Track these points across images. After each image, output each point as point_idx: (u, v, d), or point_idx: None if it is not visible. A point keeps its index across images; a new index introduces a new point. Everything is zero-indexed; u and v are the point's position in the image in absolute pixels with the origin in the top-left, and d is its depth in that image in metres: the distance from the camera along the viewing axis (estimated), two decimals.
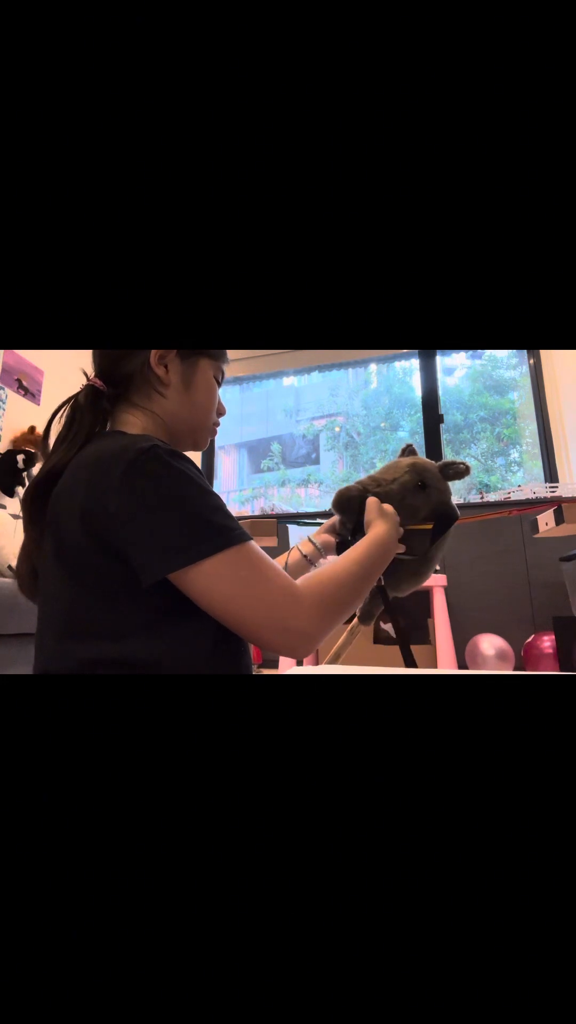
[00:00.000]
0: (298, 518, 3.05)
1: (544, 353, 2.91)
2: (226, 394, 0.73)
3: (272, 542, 1.52)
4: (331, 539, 0.83)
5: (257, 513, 3.39)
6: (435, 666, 2.25)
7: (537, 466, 2.91)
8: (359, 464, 3.54)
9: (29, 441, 2.38)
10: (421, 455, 0.85)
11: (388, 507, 0.73)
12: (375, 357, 3.48)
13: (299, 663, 2.34)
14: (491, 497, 2.73)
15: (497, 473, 3.27)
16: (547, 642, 2.23)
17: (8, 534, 1.77)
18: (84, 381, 0.62)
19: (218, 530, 0.50)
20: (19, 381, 2.50)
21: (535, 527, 2.00)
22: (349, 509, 0.76)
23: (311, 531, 0.86)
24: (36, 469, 2.21)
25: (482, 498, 2.78)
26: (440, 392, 3.08)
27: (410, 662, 0.73)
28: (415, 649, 2.39)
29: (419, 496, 0.76)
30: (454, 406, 3.33)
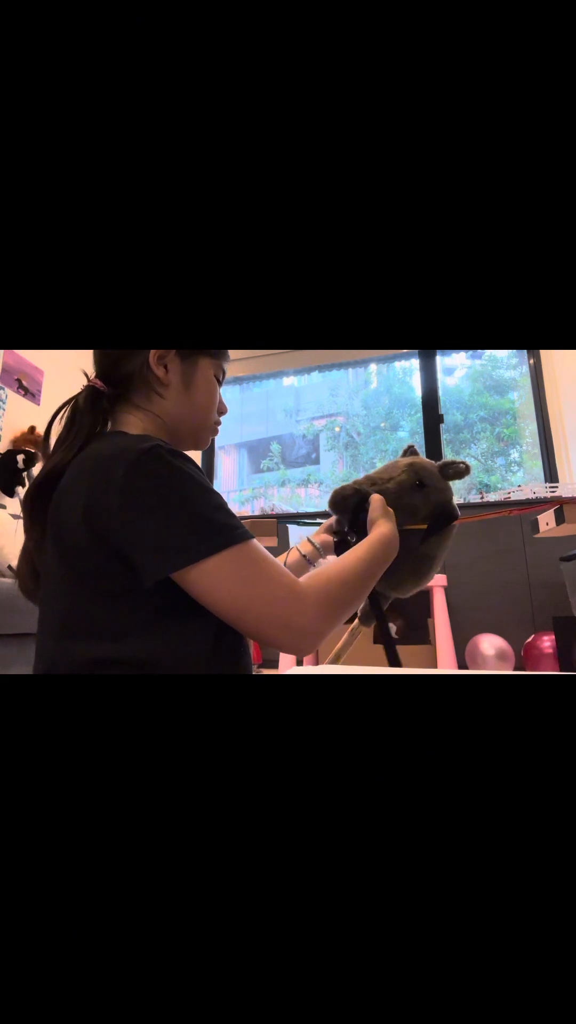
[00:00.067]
0: (298, 518, 3.05)
1: (544, 353, 2.91)
2: (226, 394, 0.73)
3: (272, 542, 1.52)
4: (330, 539, 0.83)
5: (257, 513, 3.40)
6: (435, 666, 2.25)
7: (537, 466, 2.91)
8: (359, 464, 3.54)
9: (29, 441, 2.38)
10: (422, 455, 0.85)
11: (390, 512, 0.73)
12: (375, 357, 3.48)
13: (299, 663, 2.34)
14: (491, 497, 2.73)
15: (497, 473, 3.27)
16: (547, 642, 2.23)
17: (8, 534, 1.77)
18: (84, 381, 0.63)
19: (220, 529, 0.50)
20: (19, 381, 2.50)
21: (535, 527, 2.00)
22: (344, 508, 0.76)
23: (311, 531, 0.86)
24: (36, 469, 2.22)
25: (482, 498, 2.78)
26: (440, 392, 3.08)
27: (394, 662, 0.74)
28: (415, 649, 2.39)
29: (417, 496, 0.76)
30: (454, 406, 3.33)
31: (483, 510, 2.65)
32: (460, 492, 2.91)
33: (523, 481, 3.05)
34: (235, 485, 3.75)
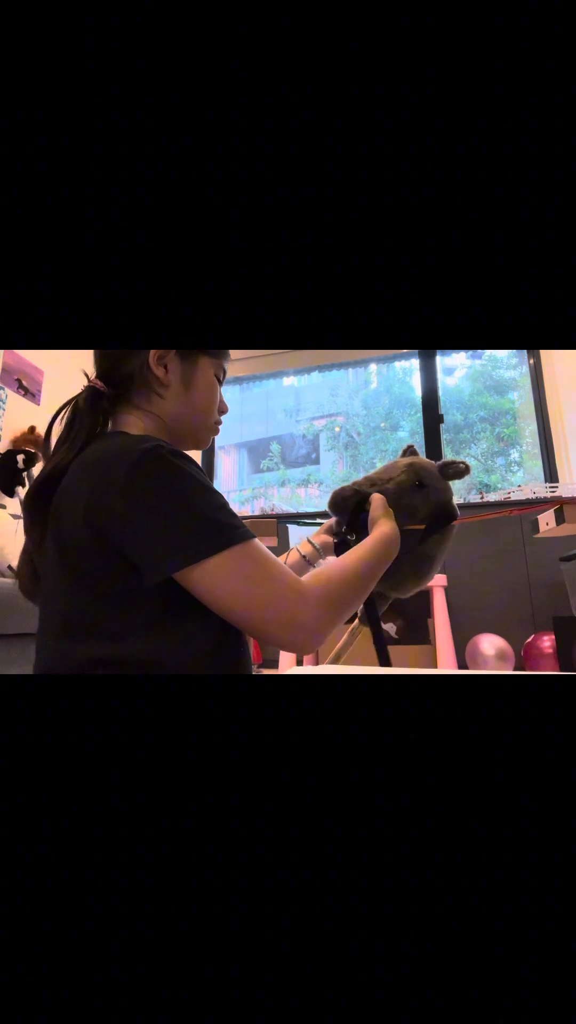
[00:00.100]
0: (298, 518, 3.05)
1: (544, 353, 2.91)
2: (226, 394, 0.73)
3: (272, 542, 1.52)
4: (330, 540, 0.83)
5: (257, 513, 3.40)
6: (435, 666, 2.25)
7: (537, 466, 2.91)
8: (359, 464, 3.54)
9: (29, 441, 2.38)
10: (422, 456, 0.85)
11: (390, 512, 0.73)
12: (375, 357, 3.48)
13: (299, 662, 2.34)
14: (491, 497, 2.73)
15: (497, 473, 3.27)
16: (547, 642, 2.23)
17: (8, 534, 1.78)
18: (84, 381, 0.63)
19: (223, 528, 0.50)
20: (19, 381, 2.50)
21: (535, 527, 2.00)
22: (344, 509, 0.76)
23: (311, 531, 0.86)
24: (36, 469, 2.22)
25: (482, 498, 2.78)
26: (440, 392, 3.08)
27: (384, 663, 0.74)
28: (415, 649, 2.39)
29: (417, 496, 0.76)
30: (454, 406, 3.33)
31: (483, 510, 2.65)
32: (460, 492, 2.91)
33: (523, 481, 3.05)
34: (235, 485, 3.75)
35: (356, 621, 0.85)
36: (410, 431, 3.40)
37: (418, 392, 3.14)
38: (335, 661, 0.85)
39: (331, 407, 3.67)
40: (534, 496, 2.28)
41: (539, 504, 1.98)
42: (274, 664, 2.54)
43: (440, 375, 3.14)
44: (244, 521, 0.53)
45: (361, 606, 0.80)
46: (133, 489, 0.49)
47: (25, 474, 2.19)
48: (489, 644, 2.34)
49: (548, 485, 2.31)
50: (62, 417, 0.61)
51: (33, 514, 0.59)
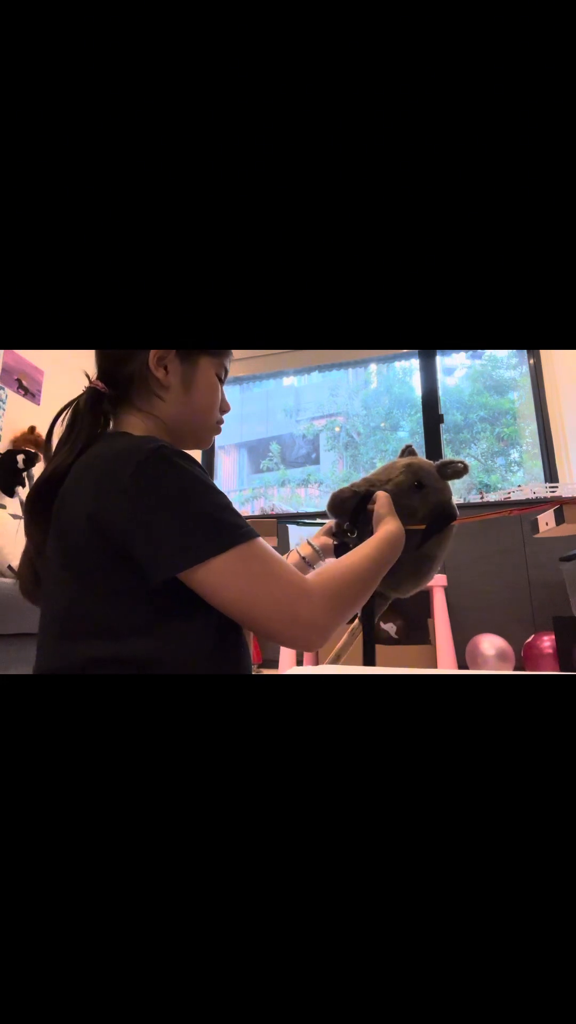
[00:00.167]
0: (298, 518, 3.05)
1: (544, 353, 2.91)
2: (226, 394, 0.73)
3: (272, 542, 1.52)
4: (329, 542, 0.83)
5: (257, 513, 3.40)
6: (435, 666, 2.25)
7: (537, 466, 2.91)
8: (359, 464, 3.54)
9: (29, 441, 2.38)
10: (421, 455, 0.85)
11: (394, 511, 0.73)
12: (375, 357, 3.48)
13: (299, 662, 2.34)
14: (491, 497, 2.73)
15: (497, 473, 3.27)
16: (547, 642, 2.23)
17: (8, 534, 1.78)
18: (84, 381, 0.63)
19: (227, 528, 0.50)
20: (19, 381, 2.50)
21: (535, 527, 2.00)
22: (343, 511, 0.76)
23: (311, 531, 0.86)
24: (36, 469, 2.22)
25: (482, 498, 2.78)
26: (440, 392, 3.08)
27: (369, 661, 0.75)
28: (415, 649, 2.39)
29: (416, 496, 0.76)
30: (454, 406, 3.33)
31: (483, 510, 2.65)
32: (460, 492, 2.91)
33: (523, 481, 3.05)
34: (235, 485, 3.75)
35: (356, 621, 0.85)
36: (410, 431, 3.40)
37: (418, 392, 3.14)
38: (335, 661, 0.85)
39: (331, 407, 3.67)
40: (534, 496, 2.28)
41: (539, 504, 1.98)
42: (274, 664, 2.54)
43: (440, 375, 3.14)
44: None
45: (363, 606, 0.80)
46: (137, 490, 0.49)
47: (25, 474, 2.19)
48: (489, 644, 2.34)
49: (548, 485, 2.31)
50: (63, 418, 0.61)
51: (34, 516, 0.60)
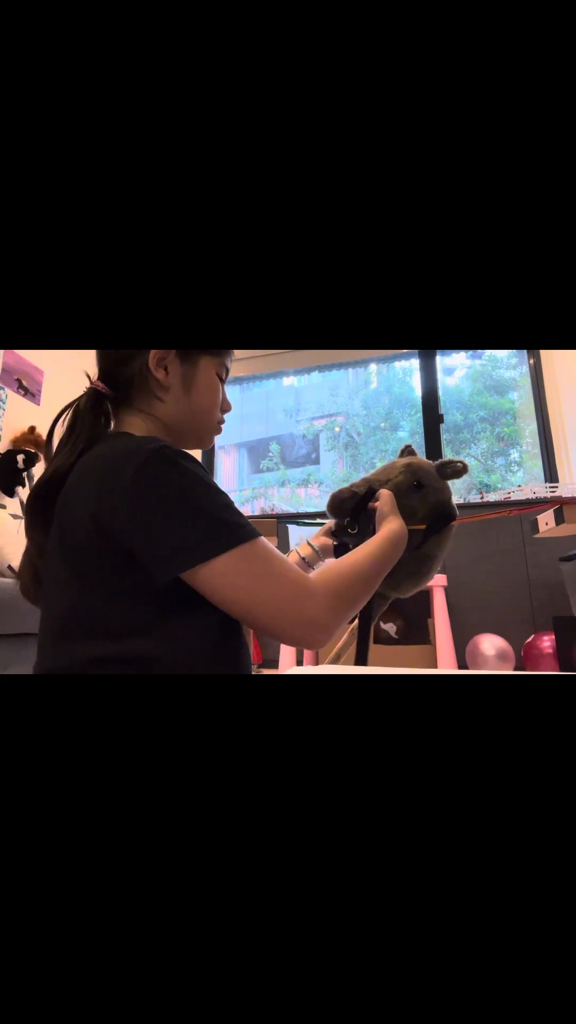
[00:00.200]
0: (298, 518, 3.05)
1: (544, 353, 2.91)
2: (226, 394, 0.72)
3: (272, 542, 1.52)
4: (329, 542, 0.83)
5: (257, 513, 3.40)
6: (435, 666, 2.25)
7: (537, 466, 2.91)
8: (359, 464, 3.54)
9: (29, 441, 2.38)
10: (421, 455, 0.85)
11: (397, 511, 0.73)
12: (375, 357, 3.48)
13: (299, 662, 2.34)
14: (491, 497, 2.73)
15: (497, 473, 3.27)
16: (547, 642, 2.23)
17: (8, 534, 1.77)
18: (85, 381, 0.63)
19: (229, 527, 0.50)
20: (19, 381, 2.50)
21: (535, 527, 2.00)
22: (343, 512, 0.76)
23: (311, 531, 0.86)
24: (36, 469, 2.22)
25: (482, 498, 2.78)
26: (440, 392, 3.08)
27: (361, 660, 0.76)
28: (415, 649, 2.39)
29: (415, 496, 0.76)
30: (454, 406, 3.33)
31: (483, 510, 2.65)
32: (460, 492, 2.91)
33: (523, 481, 3.05)
34: (235, 485, 3.75)
35: (356, 621, 0.85)
36: (410, 431, 3.40)
37: (418, 392, 3.14)
38: (335, 661, 0.85)
39: (331, 407, 3.67)
40: (534, 496, 2.28)
41: (539, 504, 1.98)
42: (274, 664, 2.54)
43: (440, 375, 3.14)
44: None
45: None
46: (140, 490, 0.49)
47: (25, 474, 2.19)
48: (489, 644, 2.34)
49: (548, 485, 2.31)
50: (64, 419, 0.61)
51: (35, 516, 0.60)
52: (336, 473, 3.56)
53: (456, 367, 3.39)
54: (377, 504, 0.73)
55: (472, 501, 2.79)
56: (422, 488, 0.77)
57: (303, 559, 0.81)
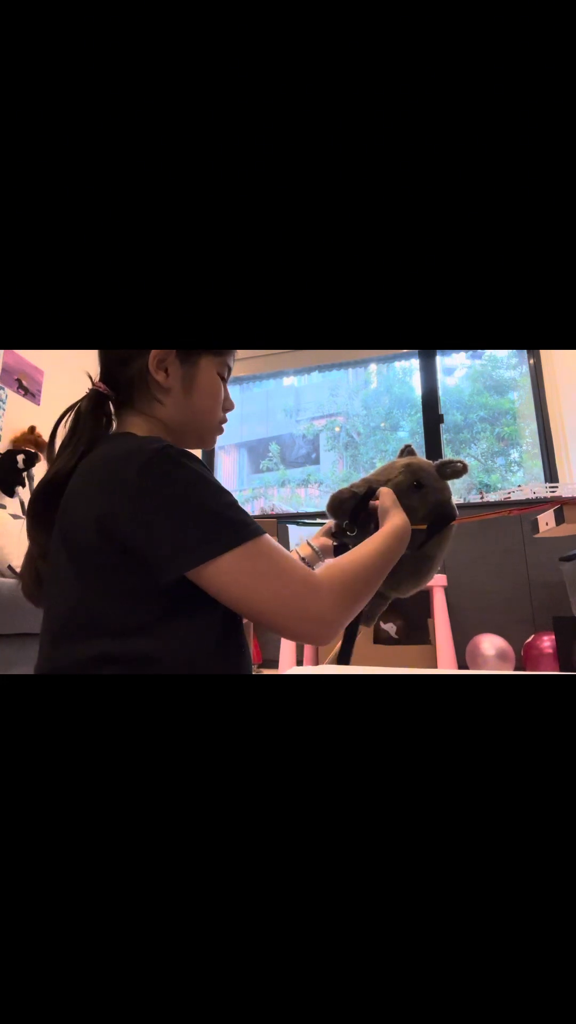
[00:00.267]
0: (298, 518, 3.05)
1: (544, 353, 2.91)
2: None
3: None
4: (329, 543, 0.83)
5: (257, 513, 3.40)
6: (435, 666, 2.25)
7: (537, 466, 2.91)
8: (359, 464, 3.54)
9: (29, 441, 2.38)
10: (420, 455, 0.85)
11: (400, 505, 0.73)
12: (375, 357, 3.48)
13: (299, 663, 2.34)
14: (491, 497, 2.73)
15: (497, 473, 3.27)
16: (547, 642, 2.23)
17: (8, 534, 1.78)
18: (84, 381, 0.63)
19: (234, 525, 0.50)
20: (19, 381, 2.50)
21: (535, 527, 2.00)
22: (343, 512, 0.76)
23: (311, 531, 0.86)
24: (36, 469, 2.21)
25: (482, 498, 2.78)
26: (440, 392, 3.08)
27: (343, 660, 0.76)
28: (415, 649, 2.39)
29: (415, 497, 0.76)
30: (454, 406, 3.33)
31: (483, 510, 2.65)
32: (460, 492, 2.91)
33: (523, 481, 3.05)
34: (235, 485, 3.75)
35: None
36: (410, 431, 3.40)
37: (418, 392, 3.14)
38: (335, 661, 0.85)
39: (331, 407, 3.67)
40: (534, 496, 2.28)
41: (539, 504, 1.98)
42: (274, 664, 2.54)
43: (440, 375, 3.14)
44: None
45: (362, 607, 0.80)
46: (144, 489, 0.49)
47: (25, 474, 2.19)
48: (489, 644, 2.34)
49: (548, 485, 2.31)
50: (65, 422, 0.61)
51: (37, 518, 0.60)
52: (336, 473, 3.56)
53: (456, 367, 3.39)
54: (378, 501, 0.73)
55: (472, 501, 2.79)
56: (422, 488, 0.77)
57: (303, 559, 0.81)
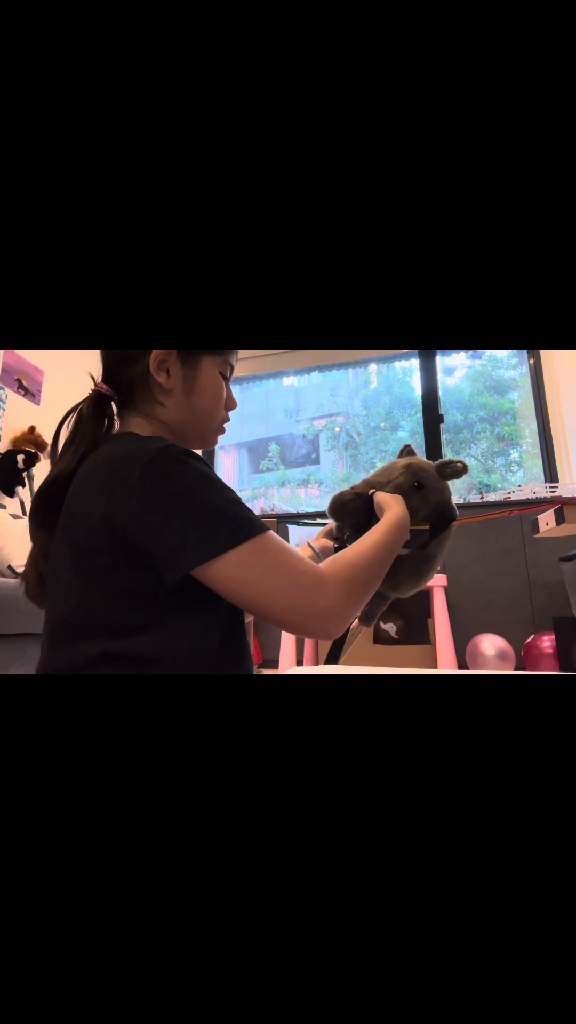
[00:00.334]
0: (298, 518, 3.05)
1: (544, 353, 2.91)
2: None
3: None
4: (330, 544, 0.83)
5: (257, 513, 3.40)
6: (435, 666, 2.25)
7: (537, 466, 2.91)
8: (359, 464, 3.54)
9: (29, 441, 2.38)
10: (420, 455, 0.85)
11: (398, 495, 0.73)
12: (375, 357, 3.48)
13: (299, 663, 2.34)
14: (491, 497, 2.73)
15: (497, 473, 3.27)
16: (547, 642, 2.23)
17: (8, 534, 1.78)
18: (85, 381, 0.63)
19: (238, 522, 0.50)
20: (19, 381, 2.50)
21: (535, 527, 2.00)
22: (344, 514, 0.76)
23: (311, 531, 0.86)
24: (36, 469, 2.21)
25: (482, 498, 2.78)
26: (440, 392, 3.08)
27: (332, 659, 0.76)
28: (415, 649, 2.39)
29: (416, 497, 0.76)
30: (454, 406, 3.33)
31: (483, 510, 2.65)
32: (460, 492, 2.91)
33: (523, 481, 3.05)
34: (235, 485, 3.75)
35: (356, 621, 0.85)
36: (410, 431, 3.40)
37: (418, 392, 3.13)
38: (327, 660, 0.85)
39: (331, 407, 3.67)
40: (534, 496, 2.28)
41: (539, 504, 1.98)
42: (274, 664, 2.54)
43: (440, 375, 3.14)
44: None
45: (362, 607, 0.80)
46: (147, 489, 0.49)
47: (25, 474, 2.19)
48: (489, 644, 2.34)
49: (548, 485, 2.31)
50: (68, 423, 0.61)
51: (39, 519, 0.60)
52: (336, 473, 3.56)
53: (456, 367, 3.39)
54: (377, 493, 0.73)
55: (472, 501, 2.79)
56: (423, 489, 0.77)
57: None
